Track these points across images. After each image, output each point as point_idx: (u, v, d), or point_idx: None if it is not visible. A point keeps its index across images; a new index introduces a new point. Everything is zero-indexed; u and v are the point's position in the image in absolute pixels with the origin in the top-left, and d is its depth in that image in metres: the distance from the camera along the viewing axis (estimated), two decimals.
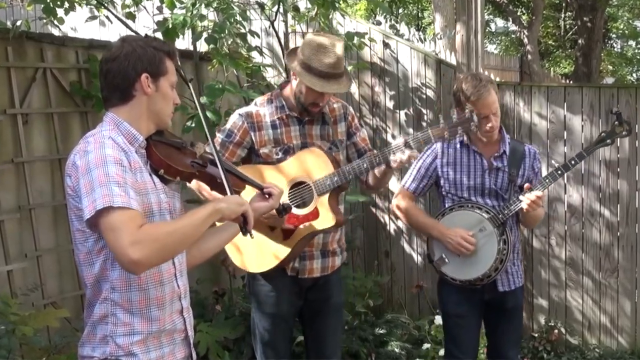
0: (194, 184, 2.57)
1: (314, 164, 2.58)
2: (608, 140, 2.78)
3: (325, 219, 2.56)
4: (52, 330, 3.33)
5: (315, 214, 2.56)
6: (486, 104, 2.70)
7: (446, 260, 2.79)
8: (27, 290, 3.25)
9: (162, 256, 1.66)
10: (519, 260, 2.91)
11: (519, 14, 13.64)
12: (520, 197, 2.70)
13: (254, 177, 2.30)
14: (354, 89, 4.56)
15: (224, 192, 1.93)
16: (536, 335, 4.22)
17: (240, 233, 1.93)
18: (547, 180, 2.76)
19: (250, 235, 1.91)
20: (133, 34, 3.69)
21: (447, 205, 2.84)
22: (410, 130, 4.44)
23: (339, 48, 2.54)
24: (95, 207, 1.60)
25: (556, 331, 4.16)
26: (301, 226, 2.57)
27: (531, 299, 4.27)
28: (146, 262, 1.60)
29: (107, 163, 1.65)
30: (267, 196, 2.09)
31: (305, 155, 2.61)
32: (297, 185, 2.60)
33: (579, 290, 4.21)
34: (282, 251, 2.58)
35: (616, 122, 2.77)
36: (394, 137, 4.51)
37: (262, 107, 2.69)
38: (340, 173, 2.55)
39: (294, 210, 2.54)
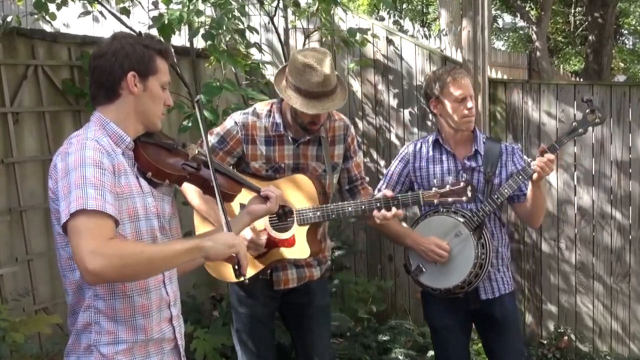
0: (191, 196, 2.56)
1: (302, 192, 2.57)
2: (580, 130, 2.66)
3: (300, 250, 2.55)
4: (44, 337, 3.32)
5: (291, 242, 2.56)
6: (463, 84, 2.67)
7: (423, 269, 2.71)
8: (18, 296, 3.21)
9: (121, 274, 1.57)
10: (505, 267, 2.80)
11: (527, 9, 13.50)
12: (532, 163, 2.58)
13: None
14: (356, 87, 4.48)
15: (215, 196, 1.88)
16: (545, 342, 4.13)
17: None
18: (520, 177, 2.63)
19: (245, 279, 1.80)
20: (127, 30, 3.62)
21: (422, 212, 2.77)
22: (415, 130, 4.35)
23: (326, 64, 2.42)
24: (70, 210, 1.55)
25: (566, 338, 4.07)
26: (274, 250, 2.56)
27: (540, 305, 4.18)
28: (101, 276, 1.53)
29: (85, 165, 1.61)
30: (264, 199, 2.08)
31: (296, 180, 2.58)
32: (281, 208, 2.54)
33: (590, 296, 4.10)
34: (253, 268, 2.54)
35: (588, 111, 2.67)
36: (397, 136, 4.41)
37: (259, 119, 2.63)
38: (324, 210, 2.54)
39: (272, 233, 2.55)
